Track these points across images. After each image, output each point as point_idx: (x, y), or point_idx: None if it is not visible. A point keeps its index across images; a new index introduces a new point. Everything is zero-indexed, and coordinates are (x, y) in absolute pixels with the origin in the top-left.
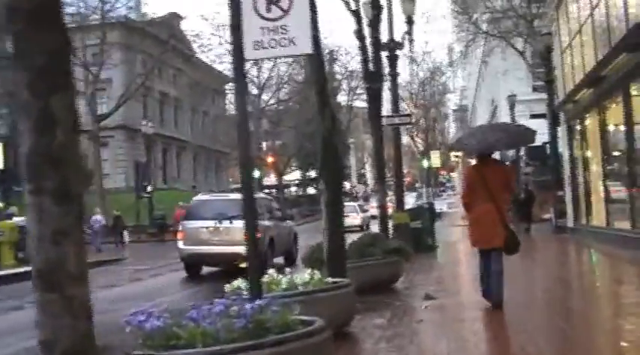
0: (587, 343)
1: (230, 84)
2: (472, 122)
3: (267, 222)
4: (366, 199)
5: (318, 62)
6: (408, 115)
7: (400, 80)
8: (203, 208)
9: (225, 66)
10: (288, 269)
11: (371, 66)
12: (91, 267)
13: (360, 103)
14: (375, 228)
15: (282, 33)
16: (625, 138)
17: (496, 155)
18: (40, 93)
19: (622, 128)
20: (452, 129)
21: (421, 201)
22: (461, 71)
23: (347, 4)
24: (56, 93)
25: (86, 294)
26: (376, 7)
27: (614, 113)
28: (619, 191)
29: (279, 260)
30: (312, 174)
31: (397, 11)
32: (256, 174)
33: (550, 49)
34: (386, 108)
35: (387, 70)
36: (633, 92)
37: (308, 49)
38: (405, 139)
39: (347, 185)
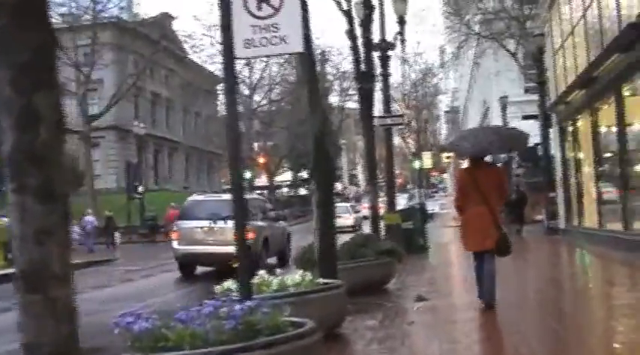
0: (580, 345)
1: (222, 84)
2: (464, 124)
3: (261, 223)
4: (358, 200)
5: (309, 62)
6: (401, 116)
7: (392, 81)
8: (197, 208)
9: (217, 66)
10: (279, 270)
11: (363, 66)
12: (81, 268)
13: (352, 104)
14: (367, 228)
15: (273, 31)
16: (617, 140)
17: (488, 157)
18: (23, 90)
19: (614, 129)
20: (443, 131)
21: (413, 202)
22: (453, 72)
23: (338, 4)
24: (40, 91)
25: (70, 296)
26: (368, 7)
27: (606, 114)
28: (611, 192)
29: (273, 260)
30: (304, 174)
31: (389, 11)
32: (248, 174)
33: (542, 50)
34: (377, 109)
35: (378, 70)
36: (625, 93)
37: (299, 47)
38: (397, 140)
39: (338, 186)
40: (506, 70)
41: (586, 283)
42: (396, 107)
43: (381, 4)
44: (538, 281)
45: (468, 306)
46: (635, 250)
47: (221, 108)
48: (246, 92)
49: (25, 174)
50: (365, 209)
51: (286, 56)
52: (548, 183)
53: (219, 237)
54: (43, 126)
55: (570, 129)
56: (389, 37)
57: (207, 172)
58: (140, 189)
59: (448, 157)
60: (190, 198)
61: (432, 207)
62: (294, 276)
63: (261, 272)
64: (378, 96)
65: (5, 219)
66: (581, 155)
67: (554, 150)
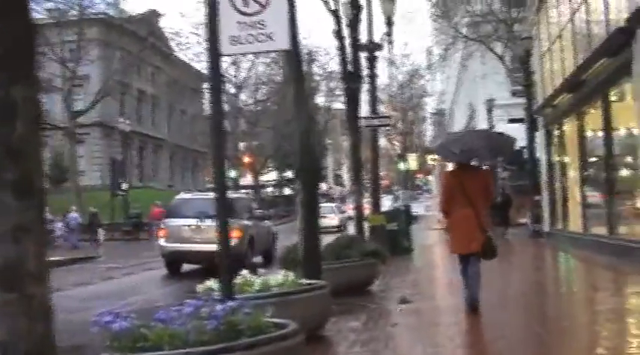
0: (564, 350)
1: (208, 82)
2: (450, 126)
3: (246, 222)
4: (343, 200)
5: (296, 61)
6: (387, 117)
7: (379, 83)
8: (185, 207)
9: (203, 65)
10: (262, 270)
11: (349, 67)
12: (64, 265)
13: (339, 105)
14: (352, 229)
15: (259, 28)
16: (603, 144)
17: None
18: None
19: (600, 133)
20: (429, 133)
21: (398, 203)
22: (439, 75)
23: (326, 3)
24: (17, 84)
25: (46, 294)
26: (355, 7)
27: (593, 118)
28: (596, 196)
29: (259, 259)
30: (289, 174)
31: (377, 12)
32: (233, 174)
33: (530, 53)
34: (364, 110)
35: (365, 71)
36: (612, 97)
37: (286, 44)
38: (383, 142)
39: (323, 186)
40: (493, 73)
41: (571, 287)
42: (382, 109)
43: (369, 5)
44: (522, 284)
45: (452, 309)
46: (620, 255)
47: (207, 106)
48: (233, 91)
49: (1, 168)
50: (350, 209)
51: (273, 56)
52: (533, 187)
53: (205, 235)
54: (20, 120)
55: (556, 132)
56: (376, 38)
57: (192, 170)
58: (124, 186)
59: (434, 159)
60: (178, 197)
61: (416, 208)
62: (278, 276)
63: (244, 271)
64: (364, 97)
65: None
66: (566, 159)
67: (540, 153)
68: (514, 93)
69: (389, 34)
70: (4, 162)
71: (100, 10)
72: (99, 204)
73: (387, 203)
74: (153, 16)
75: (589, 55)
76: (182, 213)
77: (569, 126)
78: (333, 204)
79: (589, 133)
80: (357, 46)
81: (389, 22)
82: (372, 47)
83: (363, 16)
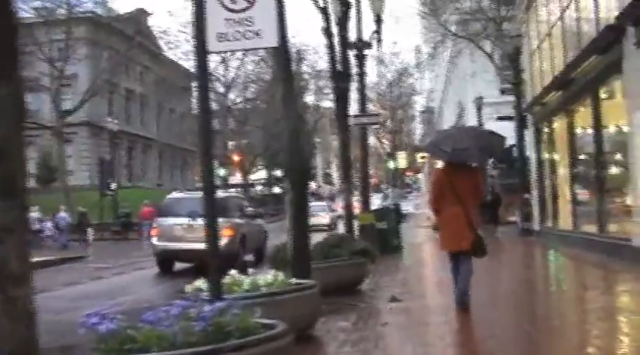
0: (555, 349)
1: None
2: (439, 124)
3: (238, 220)
4: (332, 199)
5: (285, 59)
6: (376, 115)
7: (367, 81)
8: (177, 206)
9: (192, 63)
10: (251, 270)
11: (338, 65)
12: (52, 265)
13: (328, 103)
14: (342, 227)
15: (247, 25)
16: (593, 142)
17: None
18: None
19: (590, 131)
20: (418, 131)
21: (387, 202)
22: (428, 73)
23: (315, 1)
24: (0, 84)
25: (29, 295)
26: (344, 5)
27: (583, 116)
28: (586, 194)
29: (250, 258)
30: (278, 173)
31: (366, 9)
32: (222, 172)
33: (519, 51)
34: (353, 108)
35: (354, 69)
36: (602, 95)
37: (274, 41)
38: (372, 140)
39: (313, 185)
40: (482, 71)
41: (561, 285)
42: (371, 107)
43: (358, 3)
44: (512, 282)
45: (442, 308)
46: (610, 252)
47: (195, 105)
48: (221, 90)
49: None
50: (340, 208)
51: (262, 54)
52: (522, 185)
53: (197, 234)
54: (3, 119)
55: (546, 130)
56: (365, 36)
57: (181, 169)
58: (113, 185)
59: (423, 157)
60: (170, 196)
61: (406, 207)
62: (267, 276)
63: (233, 271)
64: (353, 95)
65: None
66: (556, 157)
67: (530, 151)
68: (503, 92)
69: (378, 32)
70: None
71: (87, 9)
72: (88, 203)
73: (376, 201)
74: (141, 14)
75: (579, 53)
76: (174, 212)
77: (558, 124)
78: (324, 203)
79: (579, 131)
80: (346, 44)
81: (378, 20)
82: (361, 45)
83: (352, 13)
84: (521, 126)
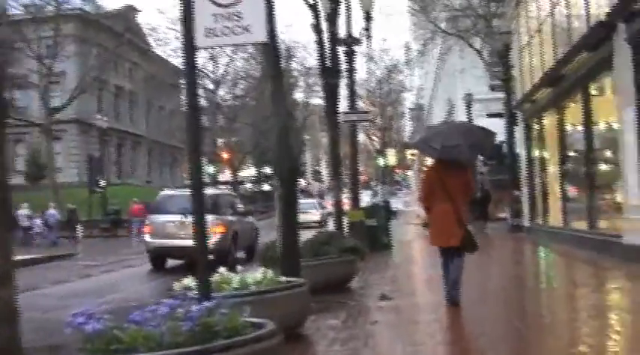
0: (546, 347)
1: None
2: (428, 121)
3: (230, 217)
4: (321, 196)
5: (274, 55)
6: (366, 112)
7: (357, 78)
8: (169, 203)
9: (181, 60)
10: (240, 268)
11: (328, 61)
12: (41, 263)
13: (317, 100)
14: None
15: (235, 20)
16: (583, 138)
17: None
18: None
19: (580, 128)
20: (408, 128)
21: (376, 199)
22: (418, 69)
23: None
24: None
25: (12, 295)
26: (334, 1)
27: (573, 112)
28: (576, 191)
29: (242, 254)
30: (268, 170)
31: (356, 6)
32: (211, 169)
33: (509, 47)
34: (342, 105)
35: (344, 66)
36: (592, 92)
37: (263, 37)
38: (361, 137)
39: (302, 182)
40: (471, 68)
41: (551, 282)
42: (360, 104)
43: None
44: (503, 279)
45: (432, 305)
46: (600, 249)
47: (184, 102)
48: (211, 87)
49: None
50: (330, 205)
51: (251, 50)
52: (512, 181)
53: (190, 231)
54: None
55: (536, 127)
56: (355, 33)
57: (171, 166)
58: (102, 182)
59: (412, 154)
60: (162, 193)
61: (395, 204)
62: (256, 274)
63: (222, 269)
64: (343, 92)
65: None
66: (546, 153)
67: (520, 148)
68: (492, 88)
69: (367, 28)
70: None
71: (76, 6)
72: (76, 201)
73: (365, 198)
74: (130, 11)
75: (569, 49)
76: (166, 209)
77: (548, 121)
78: (314, 200)
79: (569, 128)
80: (335, 41)
81: (367, 17)
82: (351, 42)
83: (342, 10)
84: (511, 122)
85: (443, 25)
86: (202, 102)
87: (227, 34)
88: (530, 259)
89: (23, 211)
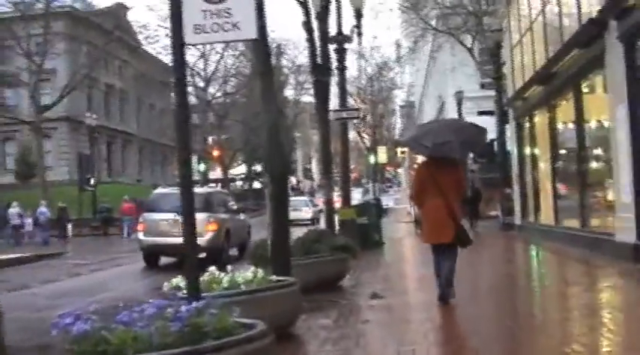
0: (539, 346)
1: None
2: (419, 118)
3: (223, 215)
4: (312, 194)
5: (264, 52)
6: (356, 110)
7: (348, 75)
8: (163, 201)
9: (171, 58)
10: (230, 267)
11: (318, 59)
12: (30, 262)
13: (308, 98)
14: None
15: (225, 17)
16: (575, 136)
17: None
18: None
19: (572, 126)
20: (399, 125)
21: (368, 196)
22: (409, 67)
23: None
24: None
25: None
26: None
27: (564, 110)
28: (568, 189)
29: (234, 252)
30: (258, 168)
31: (346, 3)
32: (202, 167)
33: (500, 45)
34: (333, 103)
35: (334, 63)
36: (584, 89)
37: (252, 34)
38: (352, 135)
39: (293, 179)
40: (462, 65)
41: (544, 281)
42: (351, 101)
43: None
44: (494, 277)
45: (424, 304)
46: (592, 247)
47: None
48: (201, 84)
49: None
50: (321, 203)
51: (242, 48)
52: (503, 179)
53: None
54: None
55: (527, 125)
56: (346, 30)
57: (161, 164)
58: (92, 181)
59: (403, 152)
60: (156, 191)
61: (386, 201)
62: (246, 273)
63: (212, 268)
64: (333, 90)
65: None
66: (537, 151)
67: (511, 146)
68: (483, 86)
69: (358, 26)
70: None
71: (66, 3)
72: (66, 199)
73: (356, 196)
74: (120, 9)
75: (561, 47)
76: (160, 207)
77: (540, 119)
78: (306, 198)
79: (560, 125)
80: (326, 38)
81: (358, 15)
82: (342, 39)
83: (333, 7)
84: (502, 120)
85: (433, 23)
86: (193, 99)
87: (216, 30)
88: (522, 257)
89: (14, 209)
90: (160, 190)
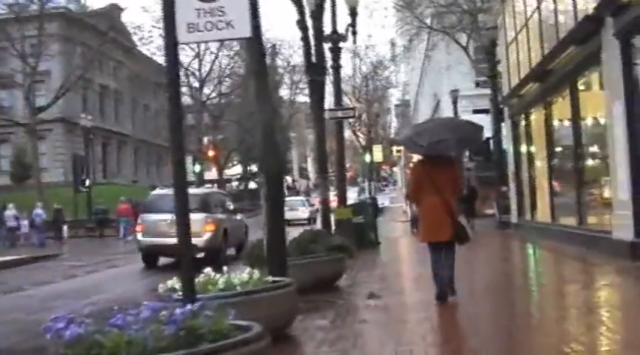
0: (538, 346)
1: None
2: (414, 117)
3: (220, 215)
4: (308, 193)
5: (258, 51)
6: (352, 108)
7: (343, 74)
8: (161, 202)
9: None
10: (225, 268)
11: (313, 58)
12: (25, 264)
13: (303, 98)
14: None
15: (218, 15)
16: (572, 134)
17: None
18: None
19: (568, 123)
20: (394, 124)
21: (363, 195)
22: (404, 66)
23: None
24: None
25: None
26: None
27: (560, 108)
28: (564, 187)
29: (232, 252)
30: (254, 168)
31: (341, 2)
32: (197, 168)
33: (495, 43)
34: (328, 102)
35: (329, 62)
36: (580, 86)
37: (247, 32)
38: (347, 134)
39: (289, 179)
40: (457, 64)
41: (541, 279)
42: (346, 100)
43: None
44: (492, 276)
45: (422, 304)
46: (589, 245)
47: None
48: (196, 85)
49: None
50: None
51: (236, 49)
52: (499, 178)
53: None
54: None
55: (523, 122)
56: (340, 29)
57: (157, 165)
58: (87, 182)
59: (398, 151)
60: (154, 192)
61: (382, 200)
62: (242, 274)
63: (207, 269)
64: (328, 89)
65: None
66: (533, 149)
67: (507, 144)
68: (478, 84)
69: (353, 24)
70: None
71: (60, 5)
72: (62, 200)
73: (352, 195)
74: (114, 10)
75: (556, 44)
76: (158, 208)
77: (536, 116)
78: (303, 198)
79: (556, 123)
80: (320, 37)
81: (353, 13)
82: (336, 38)
83: (327, 6)
84: (497, 118)
85: (428, 21)
86: (188, 100)
87: (210, 29)
88: (519, 256)
89: (10, 212)
90: (158, 191)
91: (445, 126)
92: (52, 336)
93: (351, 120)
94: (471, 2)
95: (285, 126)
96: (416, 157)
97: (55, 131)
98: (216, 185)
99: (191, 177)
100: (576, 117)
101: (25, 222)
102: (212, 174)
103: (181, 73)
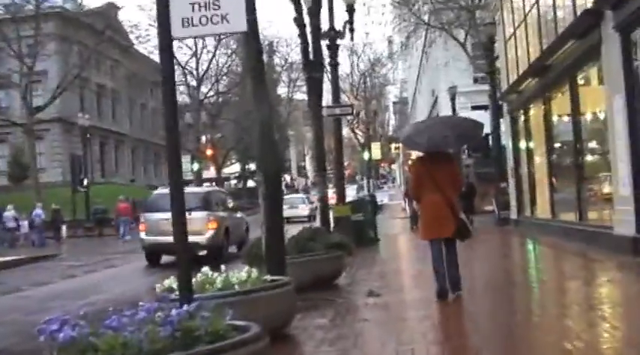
0: (540, 343)
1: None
2: (412, 114)
3: (222, 213)
4: (306, 191)
5: (255, 47)
6: (350, 106)
7: (341, 72)
8: (163, 201)
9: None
10: (223, 267)
11: (311, 55)
12: (24, 264)
13: (301, 96)
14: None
15: (213, 9)
16: (571, 129)
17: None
18: None
19: (567, 118)
20: (392, 122)
21: (362, 193)
22: (402, 63)
23: None
24: None
25: None
26: None
27: (560, 103)
28: (564, 182)
29: (233, 249)
30: (252, 166)
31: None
32: (195, 166)
33: (493, 39)
34: (326, 99)
35: (327, 59)
36: (580, 81)
37: (242, 26)
38: (346, 131)
39: (287, 177)
40: (455, 60)
41: (542, 275)
42: (344, 98)
43: None
44: (492, 272)
45: (422, 302)
46: (589, 241)
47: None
48: (194, 83)
49: None
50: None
51: (234, 47)
52: (499, 174)
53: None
54: None
55: (522, 118)
56: (338, 26)
57: (155, 164)
58: (85, 182)
59: (397, 148)
60: (156, 192)
61: (381, 198)
62: (240, 273)
63: (205, 268)
64: (326, 86)
65: None
66: (533, 145)
67: (506, 140)
68: (476, 80)
69: (350, 22)
70: None
71: (56, 4)
72: (60, 200)
73: (350, 192)
74: (111, 9)
75: (556, 39)
76: (161, 207)
77: (535, 112)
78: (303, 195)
79: (555, 118)
80: (318, 34)
81: (350, 10)
82: (334, 35)
83: (325, 3)
84: (496, 114)
85: (426, 18)
86: (185, 99)
87: (205, 23)
88: (519, 252)
89: (9, 213)
90: (160, 190)
91: (445, 124)
92: (45, 338)
93: (349, 117)
94: None
95: (283, 124)
96: (415, 154)
97: (52, 131)
98: (214, 183)
99: (189, 176)
100: (576, 113)
101: (25, 223)
102: (210, 172)
103: (179, 72)
